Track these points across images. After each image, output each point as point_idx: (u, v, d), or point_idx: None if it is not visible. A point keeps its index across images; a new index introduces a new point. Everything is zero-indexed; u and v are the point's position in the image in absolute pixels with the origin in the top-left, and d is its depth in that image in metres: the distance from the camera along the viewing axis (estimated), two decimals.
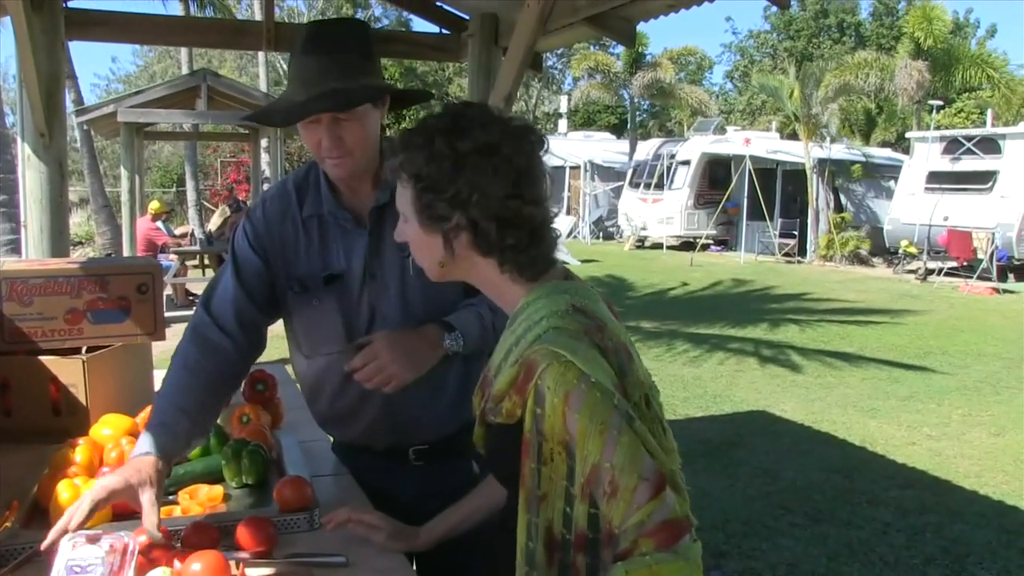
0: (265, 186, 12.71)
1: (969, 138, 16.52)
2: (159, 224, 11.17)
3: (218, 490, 1.70)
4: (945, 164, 16.47)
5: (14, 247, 6.14)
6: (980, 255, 14.64)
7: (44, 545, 1.29)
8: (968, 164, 16.10)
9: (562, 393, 1.10)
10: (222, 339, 1.69)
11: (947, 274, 14.97)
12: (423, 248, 1.29)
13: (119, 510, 1.56)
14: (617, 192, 23.15)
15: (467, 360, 1.75)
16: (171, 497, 1.70)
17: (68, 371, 2.09)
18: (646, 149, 22.67)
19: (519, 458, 1.16)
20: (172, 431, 1.51)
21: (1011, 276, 15.00)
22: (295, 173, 1.84)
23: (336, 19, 1.72)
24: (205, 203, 19.67)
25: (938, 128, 19.49)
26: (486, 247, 1.24)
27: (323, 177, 1.76)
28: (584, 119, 37.12)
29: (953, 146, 16.58)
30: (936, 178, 16.40)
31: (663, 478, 1.08)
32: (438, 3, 4.42)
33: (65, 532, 1.28)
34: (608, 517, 1.09)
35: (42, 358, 2.09)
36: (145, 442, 1.47)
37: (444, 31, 4.47)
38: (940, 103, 20.82)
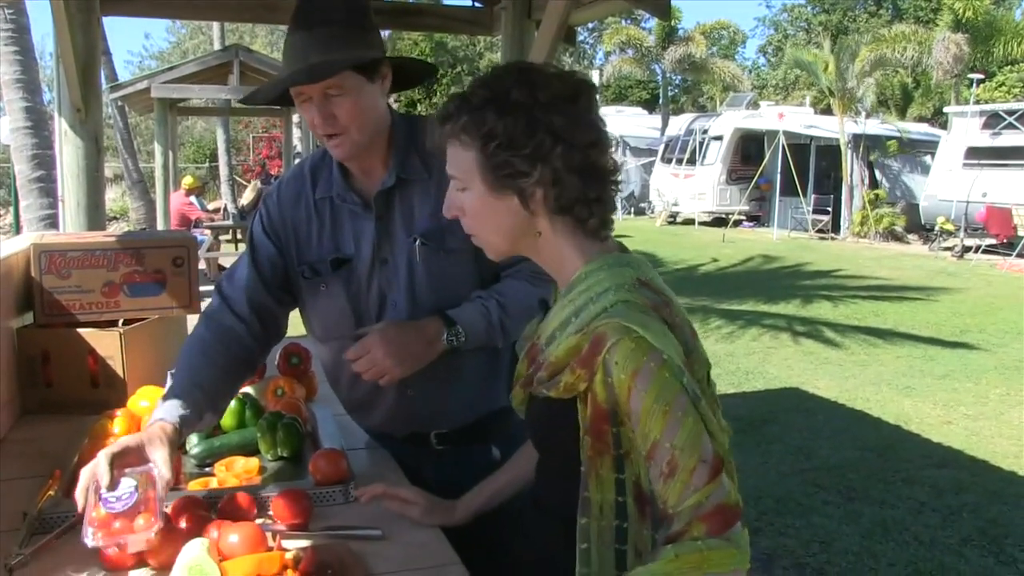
0: (297, 161, 12.74)
1: (1011, 112, 16.11)
2: (192, 199, 11.27)
3: (254, 462, 1.71)
4: (985, 139, 16.11)
5: (52, 222, 6.20)
6: (1021, 232, 14.34)
7: (80, 507, 1.30)
8: (1009, 139, 15.72)
9: (630, 370, 1.08)
10: (235, 323, 1.68)
11: (985, 251, 14.70)
12: (490, 216, 1.22)
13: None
14: (649, 168, 22.98)
15: (486, 352, 1.72)
16: (207, 469, 1.73)
17: (106, 344, 2.11)
18: (678, 124, 22.47)
19: (568, 433, 1.16)
20: (186, 403, 1.50)
21: None
22: (313, 154, 1.81)
23: None
24: (238, 178, 19.79)
25: (978, 102, 19.07)
26: (566, 203, 1.18)
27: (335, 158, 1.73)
28: (616, 94, 36.83)
29: (993, 121, 16.20)
30: (975, 153, 16.04)
31: (721, 462, 1.08)
32: None
33: (96, 491, 1.30)
34: (663, 498, 1.08)
35: (80, 331, 2.12)
36: (159, 411, 1.48)
37: (476, 4, 4.42)
38: (980, 76, 20.31)
